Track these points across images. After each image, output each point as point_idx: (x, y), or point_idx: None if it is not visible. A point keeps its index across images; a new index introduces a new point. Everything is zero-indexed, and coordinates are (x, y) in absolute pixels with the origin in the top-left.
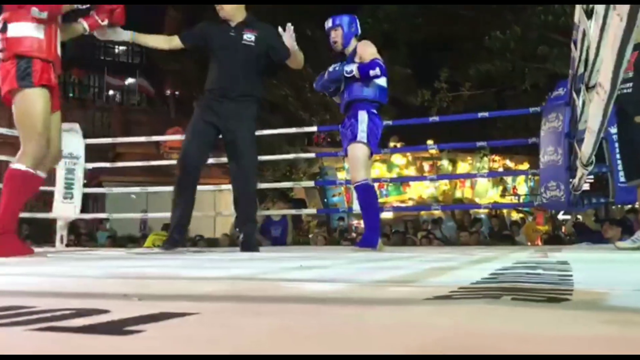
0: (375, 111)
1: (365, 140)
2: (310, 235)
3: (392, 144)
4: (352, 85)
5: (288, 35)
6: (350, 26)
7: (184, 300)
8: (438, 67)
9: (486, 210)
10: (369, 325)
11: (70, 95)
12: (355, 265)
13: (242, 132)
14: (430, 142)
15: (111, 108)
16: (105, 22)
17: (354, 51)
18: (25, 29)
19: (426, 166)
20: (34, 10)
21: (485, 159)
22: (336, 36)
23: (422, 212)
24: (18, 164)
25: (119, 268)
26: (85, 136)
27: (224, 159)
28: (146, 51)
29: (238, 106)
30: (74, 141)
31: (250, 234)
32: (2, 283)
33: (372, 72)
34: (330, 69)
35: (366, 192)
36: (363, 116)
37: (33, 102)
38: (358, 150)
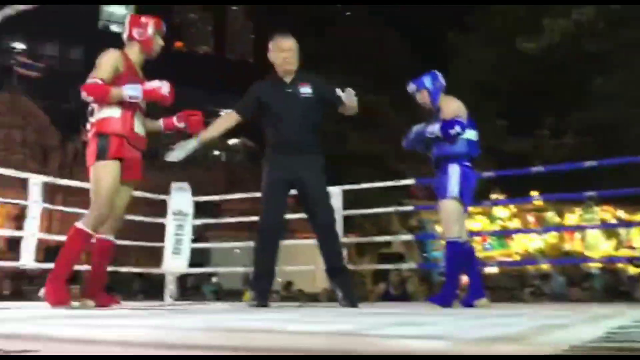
0: (468, 163)
1: (455, 195)
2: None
3: (493, 196)
4: (441, 141)
5: (347, 97)
6: (433, 83)
7: (288, 353)
8: (539, 116)
9: (599, 264)
10: None
11: None
12: (459, 322)
13: (315, 183)
14: (534, 193)
15: (216, 166)
16: (182, 125)
17: (440, 107)
18: (106, 112)
19: (531, 218)
20: (82, 94)
21: (596, 209)
22: (423, 98)
23: (529, 267)
24: (80, 224)
25: (224, 321)
26: (192, 194)
27: None
28: None
29: (306, 159)
30: (183, 199)
31: (346, 287)
32: (119, 334)
33: (452, 132)
34: (414, 129)
35: (453, 251)
36: (454, 170)
37: (102, 175)
38: (447, 206)
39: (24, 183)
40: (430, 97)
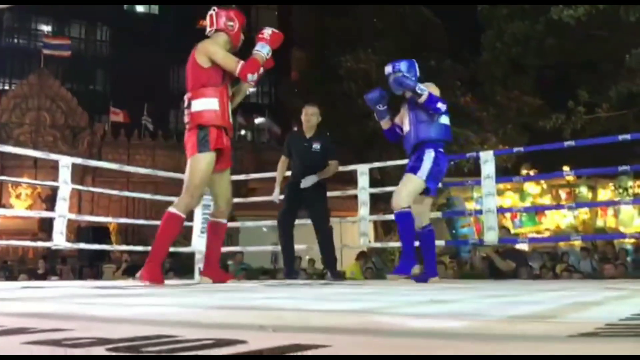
0: (442, 150)
1: (423, 178)
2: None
3: (524, 172)
4: (419, 126)
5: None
6: (409, 70)
7: (317, 333)
8: (571, 90)
9: (632, 240)
10: None
11: None
12: (488, 299)
13: (317, 203)
14: (566, 168)
15: (243, 146)
16: (267, 35)
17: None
18: (204, 104)
19: (563, 194)
20: (249, 76)
21: (630, 184)
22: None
23: (561, 243)
24: (173, 208)
25: (253, 300)
26: None
27: (350, 191)
28: (275, 92)
29: (313, 189)
30: None
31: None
32: (150, 313)
33: (440, 105)
34: (408, 74)
35: (406, 221)
36: (430, 155)
37: (199, 163)
38: (412, 180)
39: (54, 164)
40: None
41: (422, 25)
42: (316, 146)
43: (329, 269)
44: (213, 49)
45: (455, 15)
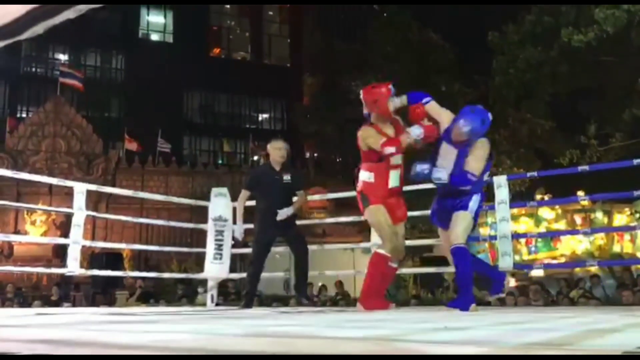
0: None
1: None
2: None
3: (538, 197)
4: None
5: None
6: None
7: None
8: (585, 119)
9: None
10: None
11: (220, 162)
12: (502, 326)
13: (292, 231)
14: (580, 193)
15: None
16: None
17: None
18: (364, 176)
19: (578, 219)
20: (386, 149)
21: None
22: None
23: (577, 269)
24: (381, 250)
25: (266, 327)
26: (233, 199)
27: (360, 217)
28: (287, 117)
29: (287, 219)
30: (223, 204)
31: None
32: (162, 340)
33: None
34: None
35: (458, 255)
36: (476, 197)
37: (374, 215)
38: (465, 217)
39: (69, 191)
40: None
41: (430, 50)
42: (287, 178)
43: (298, 291)
44: (365, 136)
45: (463, 38)
